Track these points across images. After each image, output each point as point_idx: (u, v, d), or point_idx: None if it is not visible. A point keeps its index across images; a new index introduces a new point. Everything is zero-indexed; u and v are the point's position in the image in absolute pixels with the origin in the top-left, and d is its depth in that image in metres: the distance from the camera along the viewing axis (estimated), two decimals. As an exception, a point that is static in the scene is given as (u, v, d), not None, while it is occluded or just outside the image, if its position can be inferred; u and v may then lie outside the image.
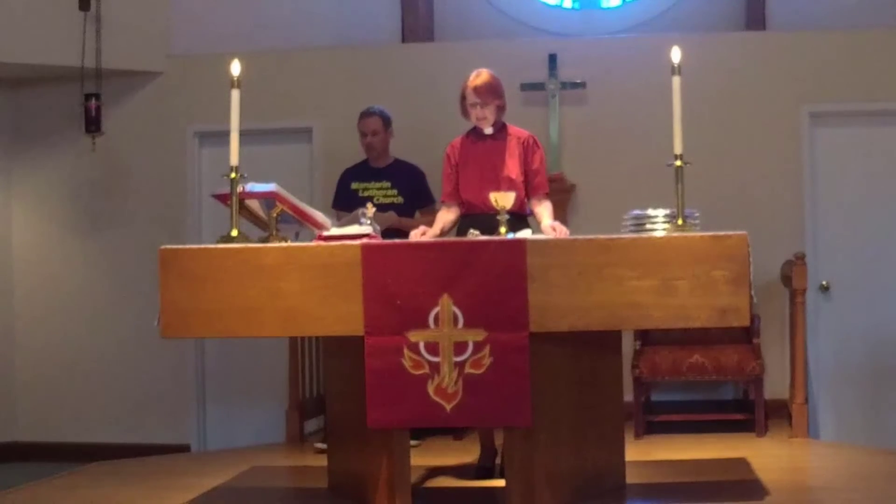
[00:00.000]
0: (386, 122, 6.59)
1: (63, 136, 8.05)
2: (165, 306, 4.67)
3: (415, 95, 7.75)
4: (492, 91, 5.41)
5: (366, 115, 6.60)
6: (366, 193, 6.38)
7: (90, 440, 7.94)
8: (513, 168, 5.44)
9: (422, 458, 5.56)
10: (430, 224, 5.52)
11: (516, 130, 5.54)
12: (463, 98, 5.46)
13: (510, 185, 5.31)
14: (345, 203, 6.40)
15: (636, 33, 7.93)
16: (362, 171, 6.61)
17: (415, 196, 6.50)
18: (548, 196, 5.55)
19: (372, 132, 6.53)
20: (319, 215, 5.29)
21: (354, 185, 6.53)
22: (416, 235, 5.24)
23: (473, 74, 5.46)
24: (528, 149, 5.49)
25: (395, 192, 6.46)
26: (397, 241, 4.74)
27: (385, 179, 6.52)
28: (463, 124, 5.62)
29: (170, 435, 7.84)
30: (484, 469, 5.36)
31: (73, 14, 7.56)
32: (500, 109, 5.49)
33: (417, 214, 6.37)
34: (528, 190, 5.46)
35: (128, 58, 7.89)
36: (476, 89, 5.40)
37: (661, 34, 7.39)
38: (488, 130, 5.50)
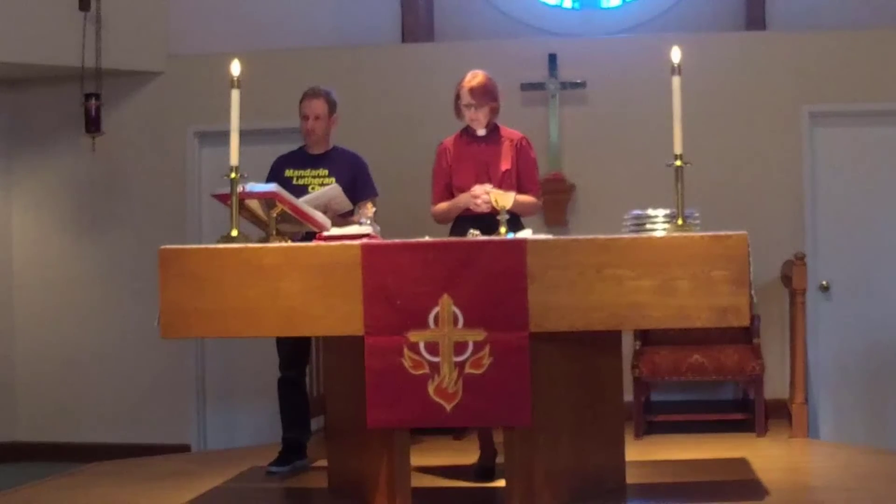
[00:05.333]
0: (331, 106, 5.98)
1: (63, 136, 8.05)
2: (165, 306, 4.67)
3: (415, 95, 7.76)
4: (486, 93, 5.43)
5: (310, 95, 5.97)
6: (300, 181, 5.87)
7: (90, 440, 7.94)
8: (508, 171, 5.45)
9: (422, 458, 5.56)
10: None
11: (508, 132, 5.56)
12: (457, 98, 5.48)
13: (507, 187, 5.33)
14: None
15: (636, 33, 7.93)
16: (298, 158, 6.02)
17: (355, 186, 5.85)
18: (538, 198, 5.56)
19: (315, 116, 5.92)
20: (319, 215, 5.28)
21: (289, 172, 5.94)
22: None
23: (469, 75, 5.48)
24: (521, 151, 5.52)
25: (332, 180, 5.82)
26: (397, 241, 4.73)
27: (323, 167, 5.92)
28: (459, 125, 5.63)
29: (170, 435, 7.83)
30: (484, 469, 5.36)
31: (73, 14, 7.56)
32: (494, 111, 5.51)
33: (357, 208, 5.59)
34: (520, 191, 5.46)
35: (128, 58, 7.89)
36: (471, 91, 5.42)
37: (661, 34, 7.39)
38: (481, 132, 5.52)
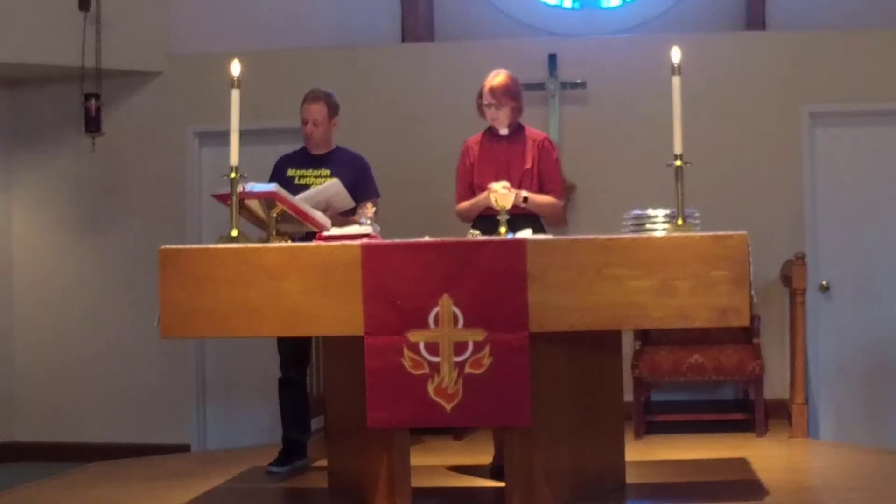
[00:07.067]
0: (332, 109, 5.91)
1: (63, 136, 8.05)
2: (165, 306, 4.67)
3: (415, 95, 7.75)
4: (507, 93, 5.43)
5: (311, 99, 5.90)
6: (302, 181, 5.83)
7: (90, 440, 7.93)
8: (529, 170, 5.46)
9: (422, 458, 5.56)
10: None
11: (532, 132, 5.57)
12: (479, 97, 5.48)
13: (528, 187, 5.33)
14: None
15: (636, 33, 7.93)
16: (300, 158, 5.99)
17: (357, 187, 5.77)
18: (559, 199, 5.56)
19: (313, 121, 5.87)
20: (319, 215, 5.28)
21: (291, 172, 5.90)
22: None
23: (492, 74, 5.49)
24: (542, 151, 5.51)
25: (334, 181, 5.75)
26: (397, 241, 4.73)
27: (325, 167, 5.87)
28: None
29: (170, 435, 7.83)
30: (499, 469, 5.34)
31: (73, 14, 7.55)
32: (516, 111, 5.50)
33: (358, 208, 5.47)
34: (541, 192, 5.46)
35: (128, 58, 7.89)
36: (492, 90, 5.42)
37: (661, 34, 7.39)
38: (503, 131, 5.52)
